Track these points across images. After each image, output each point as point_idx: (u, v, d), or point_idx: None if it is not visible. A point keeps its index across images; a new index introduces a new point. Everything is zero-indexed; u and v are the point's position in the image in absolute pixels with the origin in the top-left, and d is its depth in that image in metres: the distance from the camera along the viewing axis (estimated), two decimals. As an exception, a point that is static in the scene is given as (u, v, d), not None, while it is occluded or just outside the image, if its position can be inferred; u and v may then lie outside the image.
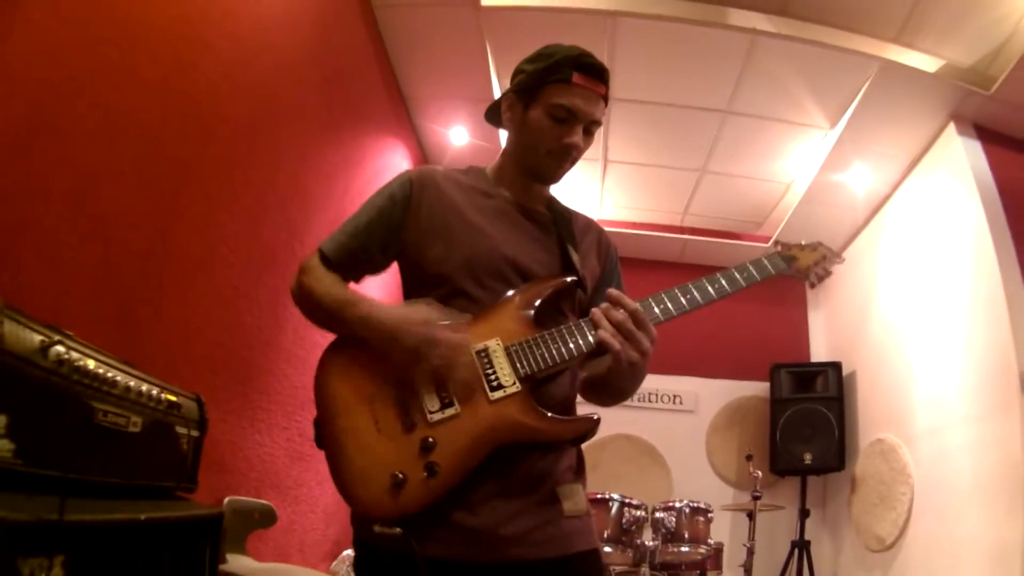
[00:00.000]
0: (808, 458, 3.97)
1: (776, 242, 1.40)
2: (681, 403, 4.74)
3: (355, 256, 1.22)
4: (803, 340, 5.02)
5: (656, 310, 1.15)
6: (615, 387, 1.21)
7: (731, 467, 4.51)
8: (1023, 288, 2.85)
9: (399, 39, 3.27)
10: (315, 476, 2.70)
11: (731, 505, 3.67)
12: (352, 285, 1.22)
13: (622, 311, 1.08)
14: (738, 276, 1.23)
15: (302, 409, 2.61)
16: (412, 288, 1.25)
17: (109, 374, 1.12)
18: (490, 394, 1.07)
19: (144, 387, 1.22)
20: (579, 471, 1.21)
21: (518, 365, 1.10)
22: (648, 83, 3.59)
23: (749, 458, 3.26)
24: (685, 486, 4.33)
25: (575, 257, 1.26)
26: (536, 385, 1.11)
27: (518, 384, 1.08)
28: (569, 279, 1.22)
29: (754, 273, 1.26)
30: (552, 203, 1.36)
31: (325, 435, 1.08)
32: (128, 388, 1.16)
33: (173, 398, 1.34)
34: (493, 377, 1.08)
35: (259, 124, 2.21)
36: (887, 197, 4.01)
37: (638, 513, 3.05)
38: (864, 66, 3.23)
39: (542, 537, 1.08)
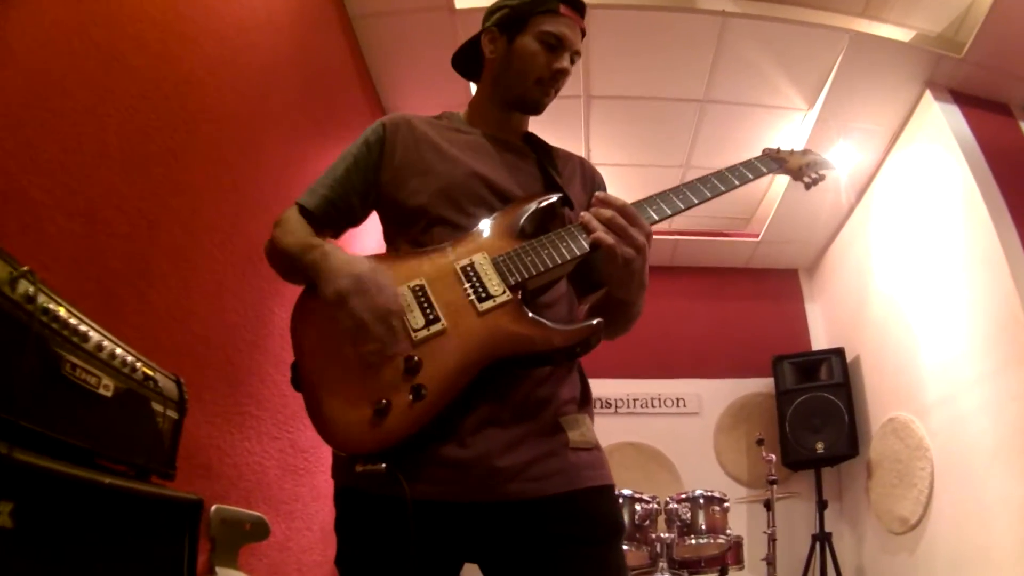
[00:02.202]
0: (820, 447, 3.85)
1: (766, 148, 1.36)
2: (685, 406, 4.63)
3: (336, 206, 1.17)
4: (802, 332, 4.95)
5: (650, 210, 1.08)
6: (617, 302, 1.11)
7: (742, 466, 4.38)
8: (1020, 244, 2.82)
9: (377, 47, 3.26)
10: (310, 491, 2.57)
11: (747, 496, 3.55)
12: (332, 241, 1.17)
13: (611, 209, 1.01)
14: (729, 175, 1.20)
15: (294, 419, 2.51)
16: (392, 230, 1.22)
17: (82, 327, 1.03)
18: (479, 305, 0.99)
19: (119, 351, 1.14)
20: (584, 403, 1.11)
21: (507, 274, 1.02)
22: (624, 77, 3.59)
23: (760, 442, 3.16)
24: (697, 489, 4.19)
25: (558, 180, 1.22)
26: (529, 297, 1.03)
27: (508, 293, 1.00)
28: (555, 196, 1.16)
29: (745, 172, 1.22)
30: (530, 136, 1.34)
31: (301, 373, 0.99)
32: (101, 346, 1.07)
33: (150, 372, 1.25)
34: (480, 289, 1.00)
35: (243, 122, 2.20)
36: (873, 174, 4.00)
37: (651, 506, 2.92)
38: (835, 40, 3.24)
39: (544, 470, 0.97)
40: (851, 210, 4.36)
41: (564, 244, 1.05)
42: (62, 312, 0.99)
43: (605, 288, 1.15)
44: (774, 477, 3.00)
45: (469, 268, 1.03)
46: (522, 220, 1.10)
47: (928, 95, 3.37)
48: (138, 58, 1.65)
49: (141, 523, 1.14)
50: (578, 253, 1.03)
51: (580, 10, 1.26)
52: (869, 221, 4.13)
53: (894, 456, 3.51)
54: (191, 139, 1.87)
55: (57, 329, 0.97)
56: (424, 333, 0.96)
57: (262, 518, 2.00)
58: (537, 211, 1.12)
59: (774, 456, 3.03)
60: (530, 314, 0.98)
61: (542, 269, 1.02)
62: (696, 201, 1.14)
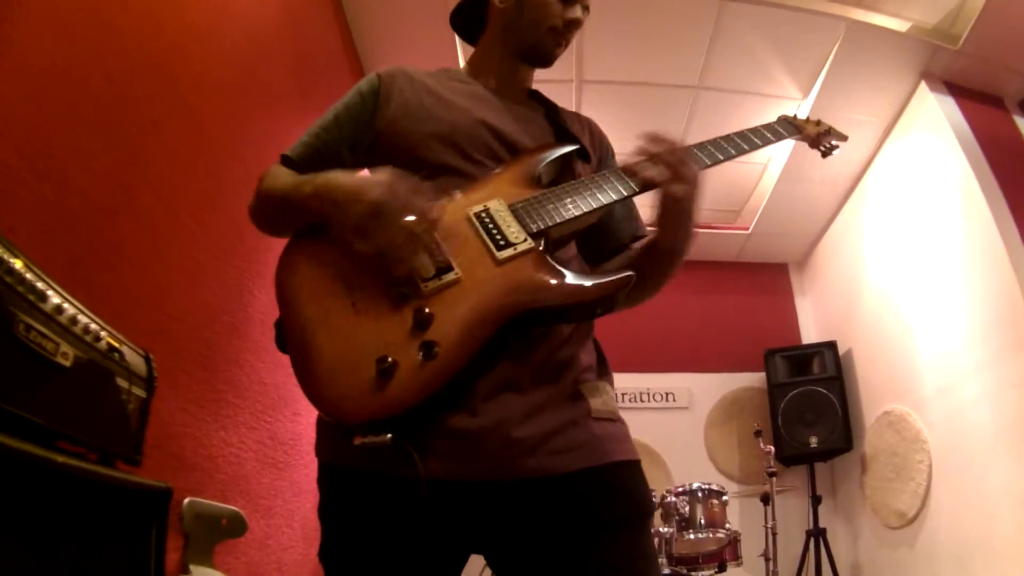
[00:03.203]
0: (814, 442, 3.78)
1: (782, 116, 1.32)
2: (674, 400, 4.55)
3: (322, 156, 1.06)
4: (792, 326, 4.91)
5: (700, 155, 1.02)
6: (663, 254, 1.02)
7: (733, 461, 4.31)
8: (1017, 232, 2.79)
9: (366, 24, 3.15)
10: (290, 487, 2.44)
11: (744, 490, 3.47)
12: None
13: (663, 145, 0.93)
14: (752, 136, 1.15)
15: (272, 410, 2.38)
16: None
17: (40, 285, 0.90)
18: (497, 253, 0.87)
19: (82, 317, 1.01)
20: (602, 371, 1.01)
21: (528, 221, 0.91)
22: (618, 61, 3.50)
23: (758, 434, 3.08)
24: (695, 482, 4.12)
25: (572, 132, 1.14)
26: (551, 247, 0.92)
27: (530, 240, 0.89)
28: (574, 145, 1.08)
29: (767, 135, 1.17)
30: (535, 92, 1.27)
31: (288, 330, 0.85)
32: (61, 309, 0.95)
33: (115, 343, 1.12)
34: (498, 236, 0.89)
35: (227, 94, 2.08)
36: (867, 165, 3.96)
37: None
38: (832, 28, 3.19)
39: (567, 443, 0.86)
40: (843, 202, 4.32)
41: (591, 192, 0.96)
42: (18, 265, 0.86)
43: (632, 248, 1.10)
44: (773, 469, 2.93)
45: (483, 214, 0.93)
46: (539, 168, 1.00)
47: (923, 86, 3.33)
48: (122, 19, 1.54)
49: (103, 513, 1.01)
50: (615, 197, 0.94)
51: None
52: (862, 213, 4.08)
53: (890, 450, 3.45)
54: (173, 107, 1.74)
55: (11, 284, 0.84)
56: (435, 283, 0.84)
57: (239, 513, 1.87)
58: (556, 160, 1.03)
59: (772, 448, 2.95)
60: (556, 265, 0.87)
61: (567, 216, 0.92)
62: (722, 158, 1.08)
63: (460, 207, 0.94)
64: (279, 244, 2.27)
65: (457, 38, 3.22)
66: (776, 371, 4.22)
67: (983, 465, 2.74)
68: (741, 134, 1.15)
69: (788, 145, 3.89)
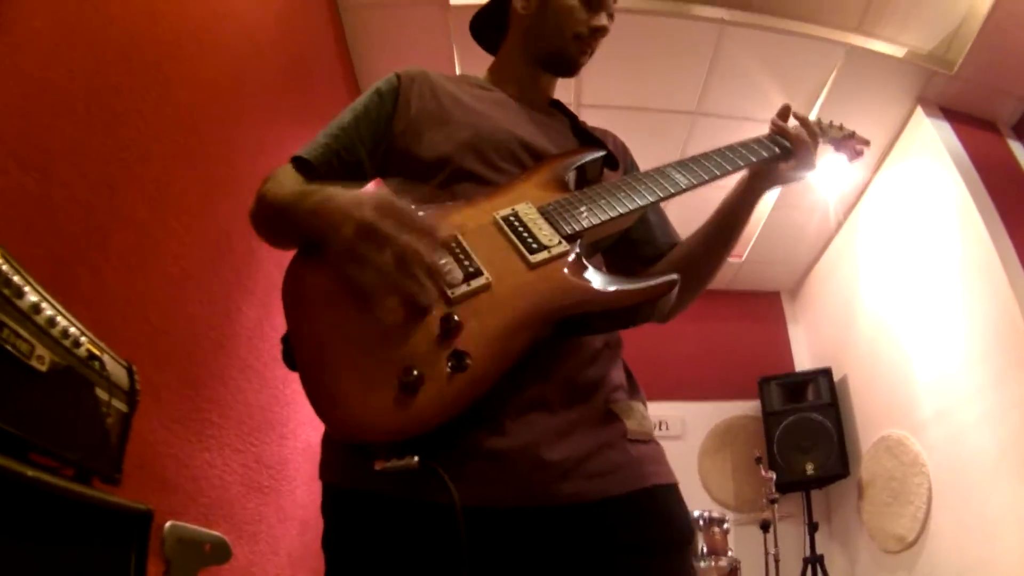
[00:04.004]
0: (810, 469, 3.76)
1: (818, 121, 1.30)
2: (667, 429, 4.47)
3: (340, 157, 0.98)
4: (785, 354, 4.88)
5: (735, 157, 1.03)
6: (714, 250, 1.04)
7: (728, 490, 4.23)
8: (1014, 253, 2.81)
9: (363, 40, 3.11)
10: (276, 512, 2.32)
11: (740, 518, 3.39)
12: None
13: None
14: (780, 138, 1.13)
15: (259, 432, 2.27)
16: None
17: (17, 279, 0.82)
18: (530, 256, 0.80)
19: (61, 319, 0.92)
20: (632, 391, 0.94)
21: (561, 223, 0.85)
22: (617, 85, 3.49)
23: (759, 460, 3.01)
24: (695, 510, 4.04)
25: (599, 138, 1.09)
26: (588, 252, 0.85)
27: (564, 243, 0.82)
28: (602, 151, 1.03)
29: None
30: (557, 103, 1.23)
31: (297, 341, 0.76)
32: (39, 308, 0.86)
33: (96, 350, 1.03)
34: (530, 239, 0.82)
35: (221, 96, 2.01)
36: (862, 192, 3.97)
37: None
38: (831, 53, 3.20)
39: (603, 466, 0.79)
40: (838, 229, 4.33)
41: (625, 193, 0.90)
42: (-8, 259, 0.78)
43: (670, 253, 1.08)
44: (775, 496, 2.85)
45: (512, 218, 0.86)
46: (568, 172, 0.95)
47: (919, 111, 3.36)
48: (119, 9, 1.47)
49: (78, 535, 0.91)
50: (650, 199, 0.90)
51: None
52: (857, 239, 4.09)
53: (887, 474, 3.43)
54: (163, 104, 1.67)
55: (-16, 278, 0.76)
56: (463, 289, 0.76)
57: (223, 539, 1.76)
58: (582, 166, 0.98)
59: (773, 474, 2.88)
60: (593, 268, 0.81)
61: (604, 218, 0.86)
62: (755, 160, 1.08)
63: (484, 211, 0.88)
64: (270, 258, 2.16)
65: (455, 53, 3.20)
66: (771, 399, 4.20)
67: (985, 487, 2.72)
68: (744, 144, 1.11)
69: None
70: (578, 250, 0.83)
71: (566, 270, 0.80)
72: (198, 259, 1.88)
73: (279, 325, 2.46)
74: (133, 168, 1.54)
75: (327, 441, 0.86)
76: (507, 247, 0.82)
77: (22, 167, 1.15)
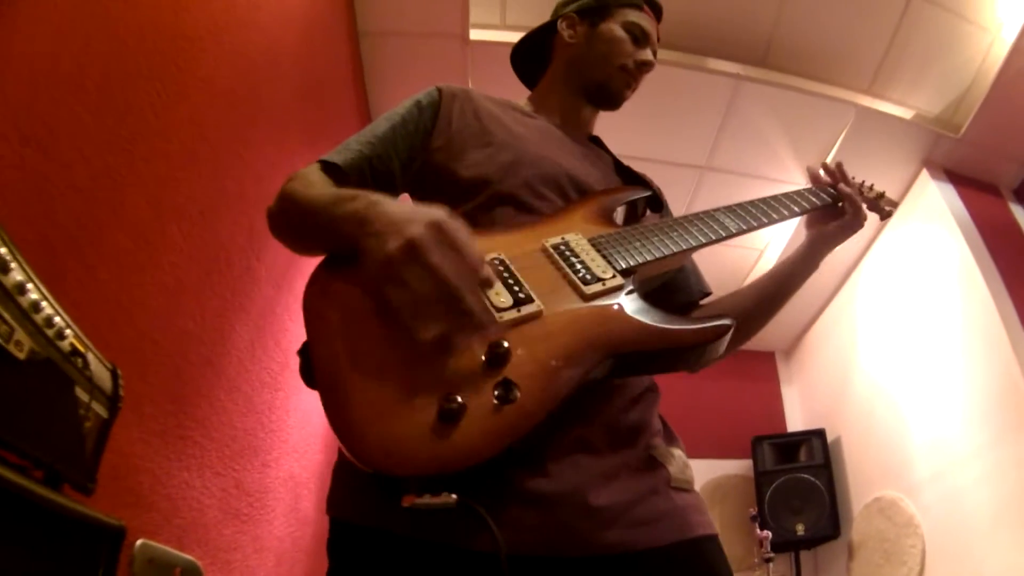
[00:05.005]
0: (801, 529, 3.71)
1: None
2: (657, 485, 4.37)
3: (372, 167, 0.94)
4: (778, 414, 4.84)
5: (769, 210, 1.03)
6: (777, 295, 1.04)
7: (717, 551, 4.11)
8: (1016, 315, 2.82)
9: (379, 67, 3.12)
10: (252, 541, 2.20)
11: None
12: None
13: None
14: (810, 195, 1.11)
15: (241, 457, 2.17)
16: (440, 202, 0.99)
17: (3, 250, 0.76)
18: (584, 287, 0.75)
19: (46, 305, 0.86)
20: (670, 438, 0.90)
21: (614, 257, 0.81)
22: (628, 136, 3.49)
23: (754, 519, 2.92)
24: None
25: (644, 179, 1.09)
26: (640, 288, 0.81)
27: (619, 276, 0.78)
28: (649, 191, 1.03)
29: (825, 196, 1.14)
30: (597, 139, 1.23)
31: (319, 358, 0.69)
32: (23, 289, 0.80)
33: (81, 346, 0.97)
34: (582, 269, 0.78)
35: (235, 104, 1.97)
36: (863, 253, 3.98)
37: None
38: (842, 113, 3.23)
39: (649, 513, 0.75)
40: (836, 291, 4.32)
41: (679, 233, 0.88)
42: (-23, 229, 0.72)
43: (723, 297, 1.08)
44: (770, 555, 2.76)
45: (563, 247, 0.82)
46: (617, 207, 0.93)
47: (925, 174, 3.39)
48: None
49: (42, 545, 0.83)
50: (703, 240, 0.89)
51: (659, 14, 1.21)
52: (856, 300, 4.08)
53: (879, 535, 3.36)
54: (176, 101, 1.62)
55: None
56: (513, 315, 0.70)
57: (196, 564, 1.66)
58: (632, 202, 0.97)
59: (769, 533, 2.79)
60: (647, 304, 0.77)
61: (658, 255, 0.83)
62: (803, 207, 1.09)
63: (530, 238, 0.84)
64: (268, 279, 2.07)
65: (470, 87, 3.22)
66: (764, 458, 4.15)
67: (980, 548, 2.67)
68: (789, 196, 1.09)
69: (788, 230, 3.89)
70: (632, 286, 0.79)
71: (622, 304, 0.76)
72: (194, 271, 1.81)
73: (271, 348, 2.37)
74: (138, 164, 1.48)
75: (340, 470, 0.79)
76: (558, 276, 0.78)
77: (23, 139, 1.09)
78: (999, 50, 2.87)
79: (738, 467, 4.40)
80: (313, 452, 2.74)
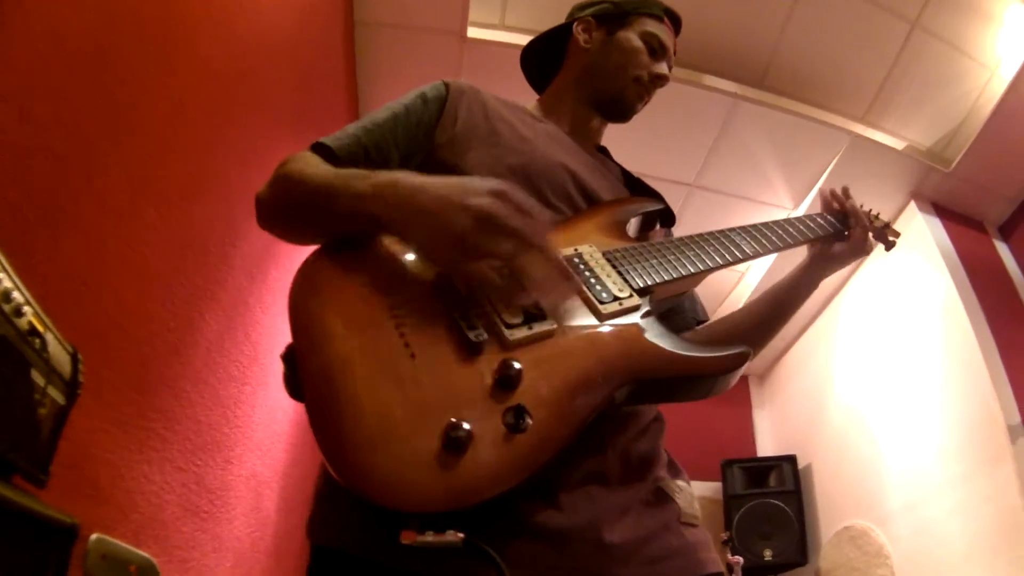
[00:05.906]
0: (768, 555, 3.69)
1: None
2: (625, 503, 4.33)
3: (368, 154, 0.88)
4: (748, 438, 4.83)
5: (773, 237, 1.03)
6: (781, 315, 1.06)
7: (682, 572, 4.08)
8: (996, 349, 2.84)
9: (372, 61, 3.05)
10: (212, 540, 2.10)
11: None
12: None
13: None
14: (812, 224, 1.11)
15: (204, 452, 2.07)
16: None
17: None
18: (600, 306, 0.71)
19: (5, 278, 0.78)
20: (674, 471, 0.87)
21: (631, 274, 0.77)
22: (617, 146, 3.45)
23: (726, 543, 2.89)
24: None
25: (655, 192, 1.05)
26: (655, 309, 0.77)
27: (635, 297, 0.73)
28: (661, 205, 1.00)
29: (825, 225, 1.14)
30: (604, 150, 1.20)
31: (308, 371, 0.61)
32: (-25, 259, 0.72)
33: (40, 325, 0.89)
34: (598, 286, 0.73)
35: (224, 86, 1.89)
36: (844, 282, 3.99)
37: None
38: (836, 139, 3.25)
39: (662, 550, 0.71)
40: (814, 318, 4.33)
41: (695, 252, 0.85)
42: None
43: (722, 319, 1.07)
44: (744, 582, 2.73)
45: (576, 259, 0.77)
46: (631, 218, 0.89)
47: (912, 205, 3.42)
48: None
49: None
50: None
51: (678, 27, 1.19)
52: (835, 329, 4.10)
53: (849, 564, 3.37)
54: (164, 77, 1.55)
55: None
56: (523, 332, 0.64)
57: (152, 562, 1.57)
58: (646, 215, 0.94)
59: (741, 559, 2.77)
60: (665, 328, 0.73)
61: (675, 275, 0.79)
62: (816, 233, 1.10)
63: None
64: (242, 268, 1.97)
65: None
66: (733, 482, 4.13)
67: None
68: (801, 220, 1.09)
69: (768, 257, 3.89)
70: (649, 307, 0.74)
71: (640, 326, 0.71)
72: (167, 255, 1.72)
73: (241, 341, 2.28)
74: (120, 136, 1.40)
75: (325, 490, 0.72)
76: (575, 292, 0.73)
77: (2, 97, 1.01)
78: (996, 86, 2.91)
79: (707, 489, 4.35)
80: (277, 451, 2.65)
